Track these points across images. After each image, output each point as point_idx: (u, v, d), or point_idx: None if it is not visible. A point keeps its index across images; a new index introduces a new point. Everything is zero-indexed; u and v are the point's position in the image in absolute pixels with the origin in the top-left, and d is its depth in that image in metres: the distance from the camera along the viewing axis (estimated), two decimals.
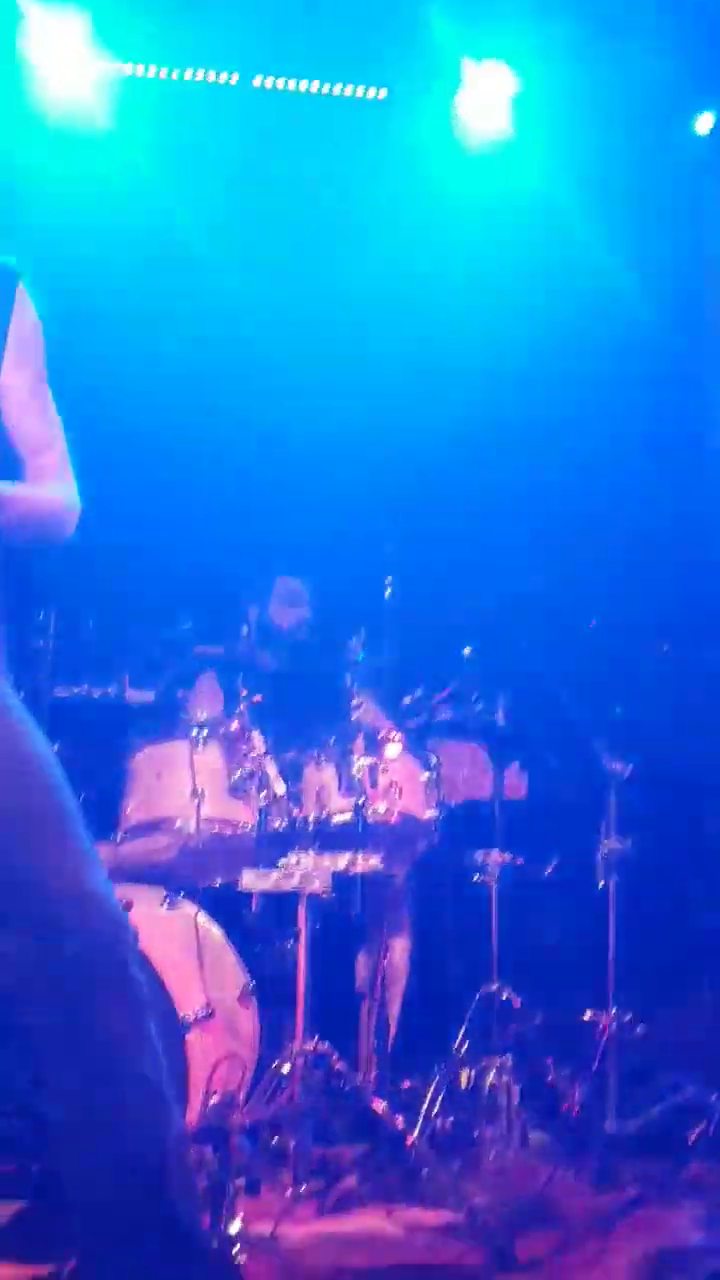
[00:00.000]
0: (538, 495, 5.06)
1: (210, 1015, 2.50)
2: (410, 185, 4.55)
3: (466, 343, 4.60)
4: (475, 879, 3.25)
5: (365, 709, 3.13)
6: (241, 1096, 2.62)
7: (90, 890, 1.70)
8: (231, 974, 2.81)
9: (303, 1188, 2.63)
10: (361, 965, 3.32)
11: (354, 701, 3.11)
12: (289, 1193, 2.63)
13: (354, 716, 3.09)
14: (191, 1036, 2.34)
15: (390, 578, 4.86)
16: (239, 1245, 2.17)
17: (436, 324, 4.63)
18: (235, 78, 4.36)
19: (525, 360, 4.68)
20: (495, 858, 3.24)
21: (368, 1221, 2.57)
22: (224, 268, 4.53)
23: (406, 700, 3.49)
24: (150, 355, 4.49)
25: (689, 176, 4.78)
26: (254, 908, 2.94)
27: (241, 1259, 2.15)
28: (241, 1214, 2.26)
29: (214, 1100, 2.29)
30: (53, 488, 1.98)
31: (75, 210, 4.22)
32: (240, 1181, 2.52)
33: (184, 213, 4.41)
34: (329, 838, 2.93)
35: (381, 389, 4.77)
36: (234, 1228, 2.19)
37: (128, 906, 2.46)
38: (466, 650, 5.01)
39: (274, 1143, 2.71)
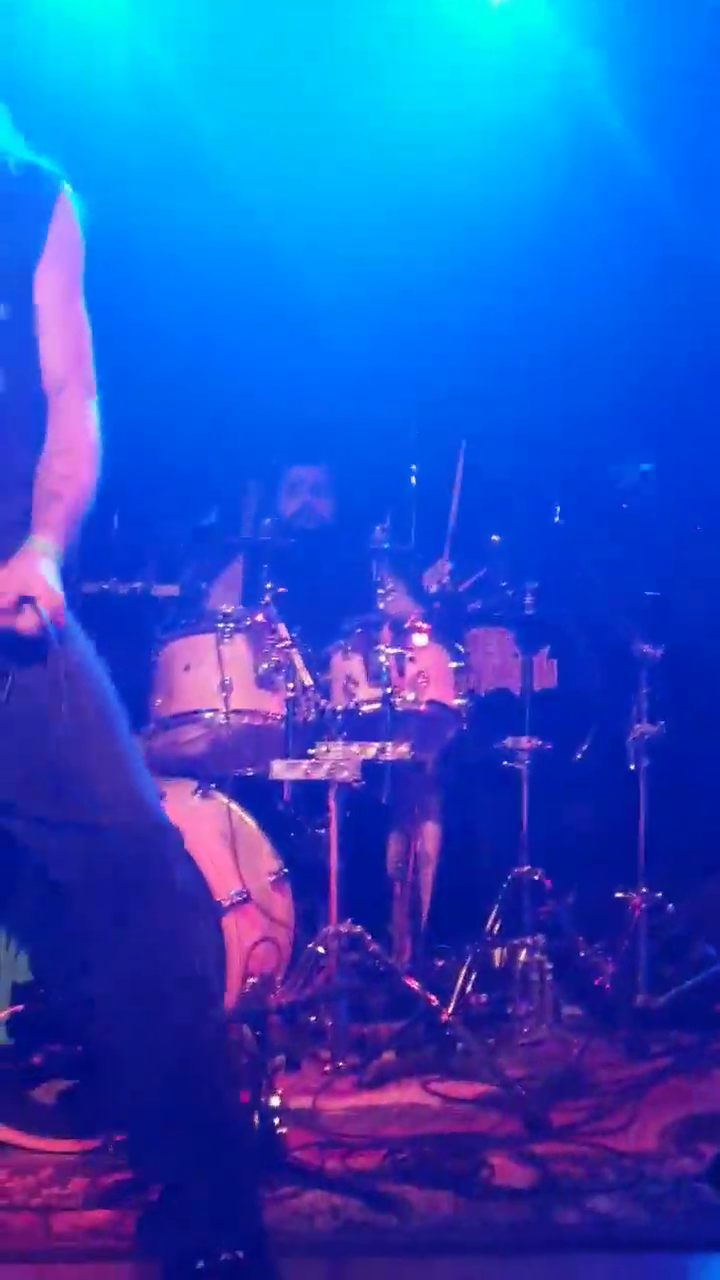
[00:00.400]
0: (571, 379, 4.95)
1: (245, 900, 2.55)
2: (430, 36, 4.35)
3: (491, 210, 4.45)
4: (505, 765, 3.26)
5: (392, 598, 3.11)
6: (278, 978, 2.68)
7: (134, 793, 1.73)
8: (265, 860, 2.85)
9: (340, 1063, 2.71)
10: (393, 850, 3.36)
11: (380, 591, 3.09)
12: (327, 1068, 2.71)
13: (380, 605, 3.07)
14: (228, 921, 2.38)
15: (415, 465, 4.81)
16: (279, 1119, 2.23)
17: (458, 186, 4.47)
18: None
19: (545, 226, 4.54)
20: (525, 744, 3.25)
21: (405, 1095, 2.64)
22: (234, 126, 4.35)
23: (433, 588, 3.46)
24: (163, 235, 4.37)
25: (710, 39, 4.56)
26: (285, 796, 2.98)
27: (282, 1131, 2.23)
28: (281, 1089, 2.33)
29: (252, 982, 2.35)
30: (83, 469, 1.87)
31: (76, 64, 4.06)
32: (280, 1059, 2.61)
33: (193, 64, 4.23)
34: (357, 727, 2.94)
35: (401, 262, 4.63)
36: (274, 1102, 2.25)
37: (160, 797, 2.48)
38: (495, 538, 4.98)
39: (311, 1021, 2.78)
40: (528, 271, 4.73)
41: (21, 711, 1.70)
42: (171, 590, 3.96)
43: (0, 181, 1.83)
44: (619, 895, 3.22)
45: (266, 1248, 1.72)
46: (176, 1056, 1.70)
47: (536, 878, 3.17)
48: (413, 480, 4.79)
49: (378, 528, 3.16)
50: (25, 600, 1.65)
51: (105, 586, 4.28)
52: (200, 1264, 1.65)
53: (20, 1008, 2.35)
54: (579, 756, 4.12)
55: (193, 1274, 1.65)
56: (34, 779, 1.71)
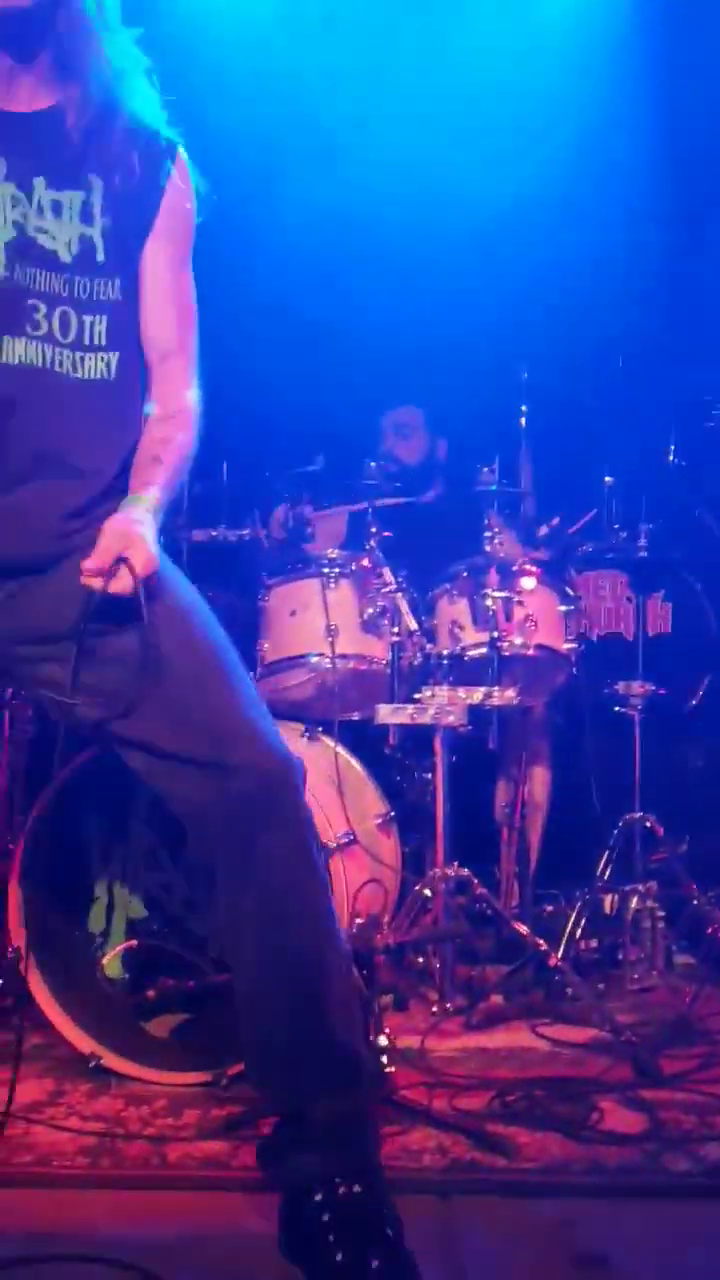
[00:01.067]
0: (684, 316, 4.80)
1: (352, 842, 2.56)
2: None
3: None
4: (617, 710, 3.20)
5: (499, 541, 3.07)
6: (385, 919, 2.69)
7: (255, 729, 1.75)
8: (371, 804, 2.86)
9: (448, 1005, 2.72)
10: (501, 795, 3.34)
11: (487, 533, 3.05)
12: (435, 1009, 2.72)
13: (488, 549, 3.03)
14: (335, 862, 2.40)
15: (525, 405, 4.72)
16: (387, 1057, 2.25)
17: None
18: None
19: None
20: (638, 689, 3.18)
21: (513, 1037, 2.64)
22: (342, 85, 4.33)
23: (543, 531, 3.40)
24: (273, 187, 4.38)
25: None
26: (391, 741, 2.97)
27: (390, 1070, 2.24)
28: (389, 1029, 2.35)
29: (359, 923, 2.36)
30: (183, 436, 1.88)
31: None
32: (388, 999, 2.63)
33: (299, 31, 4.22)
34: (464, 671, 2.92)
35: (513, 200, 4.55)
36: (382, 1041, 2.26)
37: None
38: (607, 479, 4.87)
39: (419, 963, 2.79)
40: (638, 207, 4.60)
41: (139, 650, 1.72)
42: (279, 536, 3.98)
43: (121, 143, 1.80)
44: None
45: (382, 1183, 1.73)
46: (304, 985, 1.72)
47: (649, 825, 3.11)
48: (522, 421, 4.71)
49: (485, 469, 3.11)
50: (120, 561, 1.67)
51: (214, 534, 4.32)
52: (318, 1196, 1.68)
53: (134, 943, 2.41)
54: (694, 703, 4.03)
55: (310, 1205, 1.68)
56: (156, 718, 1.74)
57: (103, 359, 1.80)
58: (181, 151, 1.87)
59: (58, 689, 1.77)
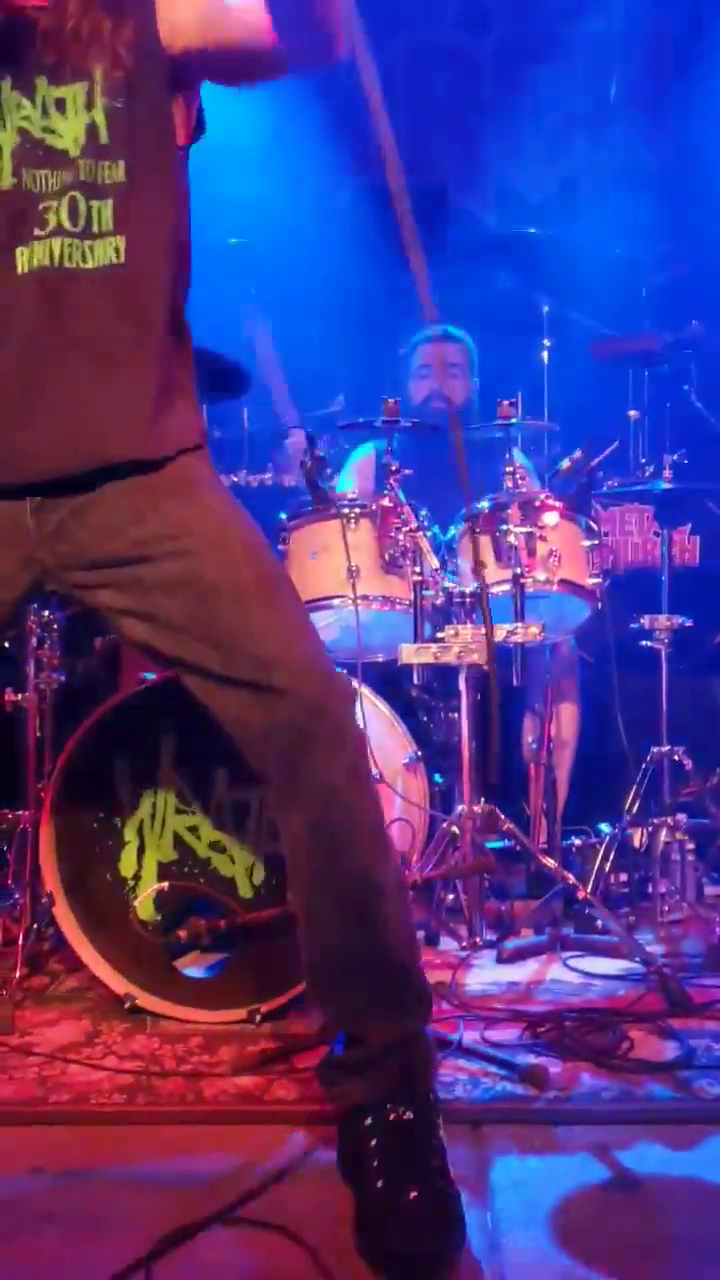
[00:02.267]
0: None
1: (379, 782, 2.56)
2: None
3: None
4: (644, 644, 3.18)
5: (521, 476, 3.03)
6: (415, 857, 2.71)
7: (301, 652, 1.74)
8: (398, 744, 2.86)
9: (478, 939, 2.74)
10: (528, 732, 3.33)
11: (509, 469, 3.01)
12: (465, 944, 2.74)
13: (509, 485, 2.99)
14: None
15: (548, 340, 4.65)
16: None
17: None
18: None
19: None
20: (664, 622, 3.15)
21: (544, 970, 2.66)
22: None
23: (566, 464, 3.35)
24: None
25: None
26: (415, 680, 2.96)
27: None
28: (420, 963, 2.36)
29: None
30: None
31: None
32: (419, 934, 2.65)
33: None
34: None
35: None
36: (421, 969, 2.27)
37: None
38: (633, 414, 4.80)
39: (449, 899, 2.81)
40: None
41: (186, 576, 1.73)
42: (298, 479, 3.95)
43: (116, 28, 1.71)
44: None
45: (434, 1112, 1.74)
46: (358, 905, 1.73)
47: (677, 758, 3.10)
48: (545, 356, 4.64)
49: (505, 403, 3.06)
50: None
51: (235, 479, 4.31)
52: (368, 1120, 1.70)
53: (165, 885, 2.43)
54: None
55: (359, 1128, 1.70)
56: (204, 641, 1.74)
57: (110, 244, 1.73)
58: None
59: (113, 616, 1.79)
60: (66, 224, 1.71)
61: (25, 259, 1.71)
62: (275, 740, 1.71)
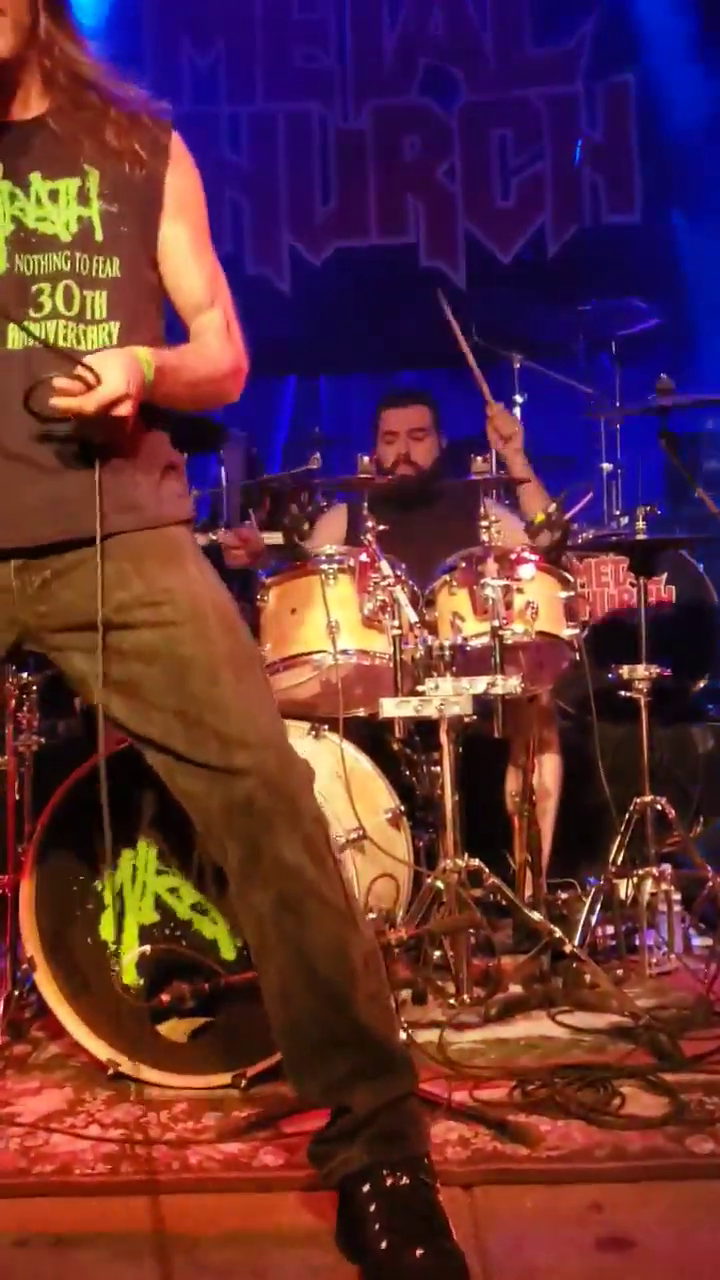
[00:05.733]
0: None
1: (362, 837, 2.55)
2: None
3: None
4: (623, 694, 3.18)
5: (497, 529, 3.05)
6: (399, 914, 2.69)
7: (265, 732, 1.79)
8: (380, 799, 2.84)
9: (466, 997, 2.71)
10: (511, 784, 3.33)
11: (484, 523, 3.03)
12: (453, 1002, 2.70)
13: (485, 538, 3.01)
14: (343, 858, 2.39)
15: (521, 396, 4.72)
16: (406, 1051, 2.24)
17: None
18: None
19: None
20: (643, 672, 3.16)
21: (532, 1026, 2.63)
22: None
23: (541, 517, 3.38)
24: None
25: None
26: (397, 734, 2.96)
27: None
28: (407, 1023, 2.34)
29: (371, 917, 2.35)
30: (218, 347, 1.93)
31: None
32: (405, 994, 2.62)
33: None
34: (467, 661, 2.90)
35: None
36: (400, 1036, 2.25)
37: None
38: (606, 466, 4.87)
39: (434, 956, 2.78)
40: None
41: (161, 647, 1.77)
42: (275, 538, 3.98)
43: (115, 134, 1.86)
44: None
45: (430, 1176, 1.74)
46: (328, 981, 1.74)
47: (660, 808, 3.09)
48: (517, 411, 4.71)
49: (478, 459, 3.09)
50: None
51: (214, 537, 4.33)
52: (365, 1187, 1.69)
53: (147, 949, 2.40)
54: (701, 684, 4.02)
55: (358, 1196, 1.70)
56: (172, 718, 1.77)
57: (104, 329, 1.82)
58: (175, 133, 1.93)
59: (84, 682, 1.83)
60: (62, 308, 1.80)
61: (18, 338, 1.78)
62: (235, 820, 1.75)
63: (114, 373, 1.72)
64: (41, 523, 1.79)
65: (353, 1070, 1.74)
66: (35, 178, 1.83)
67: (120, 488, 1.80)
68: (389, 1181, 1.69)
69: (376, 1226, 1.66)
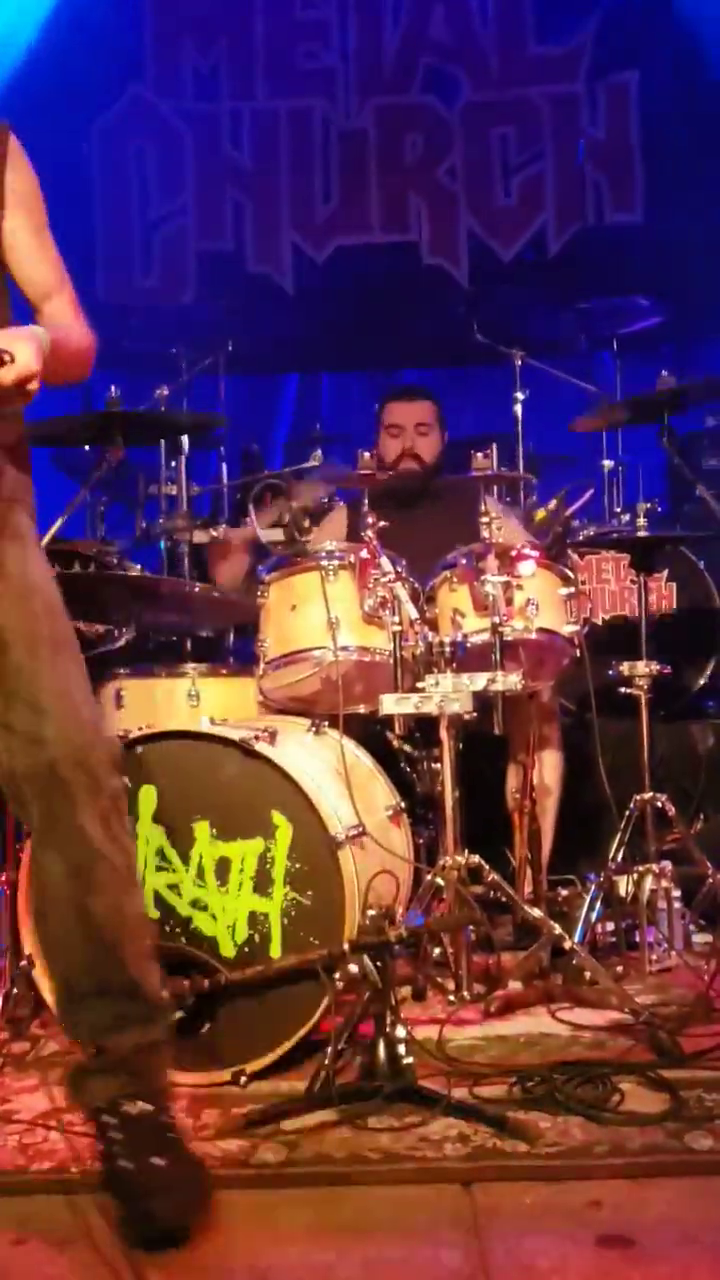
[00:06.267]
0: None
1: (361, 834, 2.54)
2: None
3: None
4: (624, 691, 3.18)
5: (498, 526, 3.04)
6: (399, 910, 2.68)
7: (74, 708, 1.92)
8: (380, 795, 2.84)
9: (466, 993, 2.70)
10: (511, 781, 3.32)
11: (484, 519, 3.02)
12: (452, 998, 2.70)
13: (486, 535, 3.01)
14: (343, 855, 2.38)
15: (522, 394, 4.71)
16: (405, 1048, 2.24)
17: None
18: None
19: None
20: (644, 669, 3.15)
21: (532, 1023, 2.62)
22: None
23: (542, 513, 3.37)
24: None
25: None
26: (397, 730, 2.95)
27: (409, 1061, 2.23)
28: (407, 1020, 2.33)
29: (371, 914, 2.33)
30: (79, 327, 2.08)
31: None
32: (405, 990, 2.61)
33: None
34: (467, 658, 2.89)
35: None
36: (400, 1032, 2.25)
37: (272, 736, 2.50)
38: (607, 463, 4.86)
39: (435, 953, 2.78)
40: None
41: None
42: (276, 534, 3.98)
43: None
44: None
45: (169, 1108, 1.91)
46: (106, 941, 1.89)
47: (660, 805, 3.09)
48: (518, 409, 4.70)
49: (479, 455, 3.08)
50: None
51: (214, 534, 4.33)
52: (111, 1118, 1.83)
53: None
54: (701, 681, 4.02)
55: (107, 1129, 1.83)
56: None
57: None
58: (12, 135, 2.06)
59: None
60: None
61: None
62: (37, 785, 1.88)
63: (26, 350, 1.82)
64: None
65: (118, 1016, 1.88)
66: None
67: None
68: (130, 1109, 1.84)
69: (119, 1149, 1.81)
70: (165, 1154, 1.81)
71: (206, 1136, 2.11)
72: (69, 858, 1.88)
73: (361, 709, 3.02)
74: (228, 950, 2.38)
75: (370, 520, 3.02)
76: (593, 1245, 1.75)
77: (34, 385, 1.83)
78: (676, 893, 3.02)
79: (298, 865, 2.39)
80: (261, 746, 2.44)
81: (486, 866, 2.81)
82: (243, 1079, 2.31)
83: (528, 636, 2.97)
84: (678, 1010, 2.63)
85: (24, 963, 2.55)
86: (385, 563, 2.95)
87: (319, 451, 4.40)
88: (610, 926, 3.03)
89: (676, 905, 3.01)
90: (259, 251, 6.11)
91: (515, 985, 2.73)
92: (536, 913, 2.83)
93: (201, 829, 2.42)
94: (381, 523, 3.02)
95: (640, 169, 6.07)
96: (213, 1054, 2.35)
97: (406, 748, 3.12)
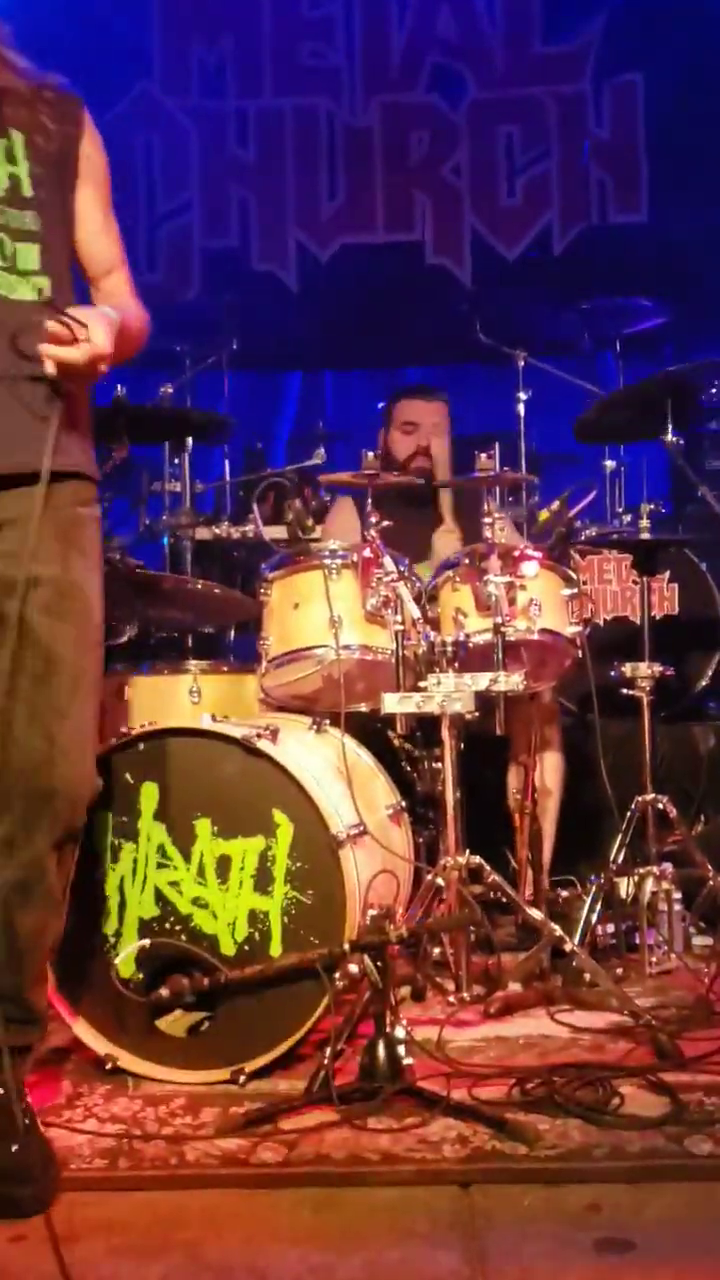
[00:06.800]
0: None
1: (362, 833, 2.53)
2: None
3: None
4: (626, 693, 3.17)
5: (501, 526, 3.04)
6: (399, 910, 2.67)
7: (83, 756, 2.03)
8: (381, 794, 2.84)
9: (465, 994, 2.70)
10: (512, 781, 3.32)
11: (487, 520, 3.02)
12: (452, 999, 2.70)
13: (488, 535, 3.00)
14: (345, 854, 2.38)
15: (525, 393, 4.70)
16: (405, 1049, 2.23)
17: None
18: None
19: None
20: (645, 671, 3.15)
21: (531, 1025, 2.62)
22: None
23: (545, 514, 3.37)
24: None
25: None
26: (399, 730, 2.95)
27: (408, 1061, 2.23)
28: (406, 1020, 2.33)
29: (371, 914, 2.33)
30: (135, 306, 2.11)
31: None
32: (404, 990, 2.61)
33: None
34: (469, 658, 2.89)
35: None
36: (399, 1033, 2.25)
37: (273, 734, 2.49)
38: (610, 464, 4.85)
39: (435, 953, 2.77)
40: None
41: (43, 636, 1.96)
42: (279, 532, 3.97)
43: (31, 103, 2.03)
44: None
45: (22, 1095, 1.96)
46: (22, 949, 2.01)
47: (661, 807, 3.08)
48: (520, 409, 4.70)
49: (483, 455, 3.07)
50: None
51: (218, 532, 4.33)
52: None
53: (146, 943, 2.39)
54: (703, 683, 4.01)
55: None
56: (20, 696, 1.95)
57: (33, 283, 1.97)
58: (85, 109, 2.11)
59: None
60: None
61: None
62: (21, 803, 1.96)
63: (100, 331, 1.87)
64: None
65: (6, 1018, 1.95)
66: None
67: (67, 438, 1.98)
68: None
69: None
70: (16, 1140, 1.90)
71: (205, 1135, 2.11)
72: (20, 878, 1.98)
73: (363, 708, 3.02)
74: (228, 948, 2.38)
75: (374, 519, 3.01)
76: (591, 1248, 1.74)
77: (104, 366, 1.88)
78: (677, 895, 3.01)
79: (298, 864, 2.38)
80: (263, 744, 2.43)
81: (487, 867, 2.81)
82: (241, 1078, 2.31)
83: (530, 637, 2.96)
84: (678, 1013, 2.63)
85: None
86: (389, 561, 2.94)
87: (322, 450, 4.40)
88: (610, 928, 3.03)
89: (677, 907, 3.01)
90: (264, 249, 6.10)
91: (515, 986, 2.72)
92: (537, 914, 2.83)
93: (203, 826, 2.42)
94: (385, 522, 3.00)
95: (645, 169, 6.05)
96: (212, 1052, 2.35)
97: (408, 747, 3.11)
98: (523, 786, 3.16)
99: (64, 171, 2.05)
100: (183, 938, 2.39)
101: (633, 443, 4.55)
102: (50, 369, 1.88)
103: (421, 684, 2.82)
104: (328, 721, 2.81)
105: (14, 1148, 1.90)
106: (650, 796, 3.08)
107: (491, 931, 2.83)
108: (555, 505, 3.33)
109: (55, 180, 2.03)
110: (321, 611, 2.92)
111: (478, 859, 2.81)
